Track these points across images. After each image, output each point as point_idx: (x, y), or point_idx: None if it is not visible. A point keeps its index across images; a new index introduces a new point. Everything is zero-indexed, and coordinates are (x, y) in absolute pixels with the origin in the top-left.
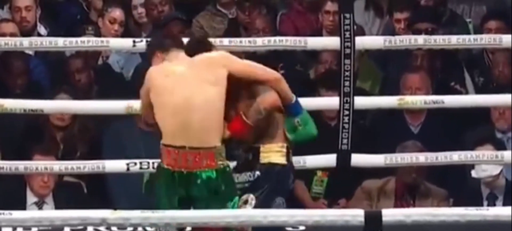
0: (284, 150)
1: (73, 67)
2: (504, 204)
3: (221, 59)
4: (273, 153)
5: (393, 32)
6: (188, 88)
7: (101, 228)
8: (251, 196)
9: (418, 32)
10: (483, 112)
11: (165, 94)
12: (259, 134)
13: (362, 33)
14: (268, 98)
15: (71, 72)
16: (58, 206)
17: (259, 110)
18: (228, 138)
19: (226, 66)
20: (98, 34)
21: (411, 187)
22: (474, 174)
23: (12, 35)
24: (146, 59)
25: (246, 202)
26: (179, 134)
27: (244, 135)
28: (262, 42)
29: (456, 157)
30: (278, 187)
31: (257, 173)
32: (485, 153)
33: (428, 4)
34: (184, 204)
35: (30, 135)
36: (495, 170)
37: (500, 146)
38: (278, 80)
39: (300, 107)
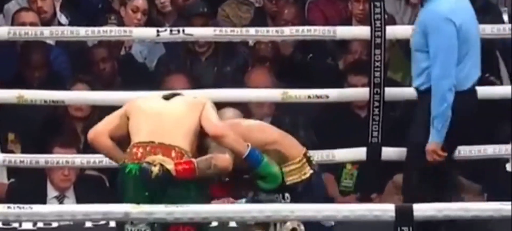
0: (304, 161)
1: (97, 57)
2: None
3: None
4: (295, 172)
5: None
6: (166, 104)
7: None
8: (297, 222)
9: None
10: None
11: (142, 107)
12: (278, 159)
13: (393, 22)
14: (222, 161)
15: (95, 62)
16: (79, 200)
17: (210, 165)
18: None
19: (202, 104)
20: (120, 23)
21: None
22: (508, 168)
23: (32, 24)
24: (169, 49)
25: (294, 229)
26: (150, 131)
27: (187, 179)
28: (290, 31)
29: (490, 150)
30: (314, 198)
31: (287, 195)
32: None
33: None
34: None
35: (50, 127)
36: None
37: None
38: (220, 138)
39: (257, 158)
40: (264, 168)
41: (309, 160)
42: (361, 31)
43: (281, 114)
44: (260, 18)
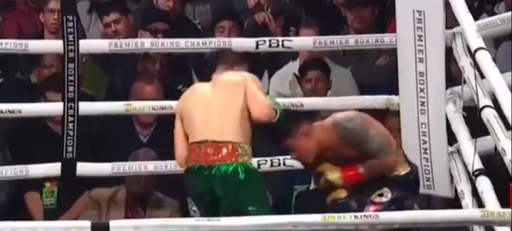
0: (401, 156)
1: None
2: None
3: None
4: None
5: None
6: (211, 92)
7: None
8: (386, 189)
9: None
10: None
11: (193, 108)
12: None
13: (83, 36)
14: (387, 165)
15: None
16: None
17: (376, 170)
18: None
19: (243, 82)
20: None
21: (141, 197)
22: None
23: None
24: None
25: (381, 195)
26: (201, 129)
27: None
28: None
29: None
30: (410, 194)
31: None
32: None
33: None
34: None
35: None
36: None
37: None
38: (268, 117)
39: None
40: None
41: (406, 158)
42: (54, 45)
43: None
44: None
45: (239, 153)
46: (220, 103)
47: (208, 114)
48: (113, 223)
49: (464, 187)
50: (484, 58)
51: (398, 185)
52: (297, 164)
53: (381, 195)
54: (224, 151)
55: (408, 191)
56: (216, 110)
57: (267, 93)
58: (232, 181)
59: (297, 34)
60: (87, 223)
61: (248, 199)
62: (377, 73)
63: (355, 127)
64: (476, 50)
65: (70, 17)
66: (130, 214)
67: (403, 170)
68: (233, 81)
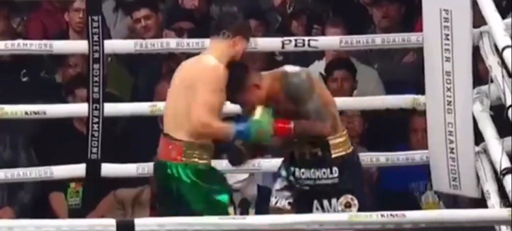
0: (347, 135)
1: None
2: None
3: (199, 75)
4: (341, 145)
5: None
6: (176, 78)
7: None
8: (350, 196)
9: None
10: None
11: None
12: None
13: (108, 35)
14: (320, 130)
15: None
16: None
17: (305, 132)
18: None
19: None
20: None
21: None
22: None
23: None
24: None
25: (349, 205)
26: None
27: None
28: (4, 46)
29: None
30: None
31: (335, 169)
32: None
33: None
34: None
35: None
36: (241, 175)
37: None
38: (200, 131)
39: (244, 134)
40: (255, 137)
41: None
42: (79, 45)
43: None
44: None
45: (185, 153)
46: (176, 97)
47: (168, 103)
48: (138, 221)
49: (490, 187)
50: None
51: (344, 164)
52: None
53: (348, 205)
54: (174, 149)
55: (352, 171)
56: (169, 104)
57: None
58: (175, 181)
59: (322, 33)
60: (112, 221)
61: (192, 201)
62: (404, 70)
63: (299, 83)
64: (503, 49)
65: (96, 17)
66: (154, 214)
67: (348, 149)
68: (188, 77)
